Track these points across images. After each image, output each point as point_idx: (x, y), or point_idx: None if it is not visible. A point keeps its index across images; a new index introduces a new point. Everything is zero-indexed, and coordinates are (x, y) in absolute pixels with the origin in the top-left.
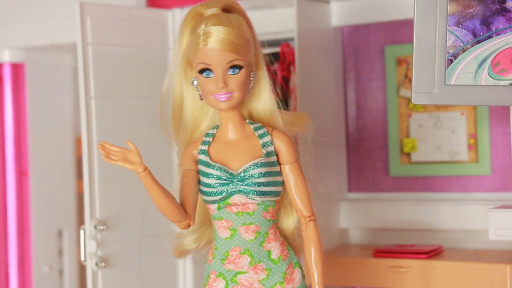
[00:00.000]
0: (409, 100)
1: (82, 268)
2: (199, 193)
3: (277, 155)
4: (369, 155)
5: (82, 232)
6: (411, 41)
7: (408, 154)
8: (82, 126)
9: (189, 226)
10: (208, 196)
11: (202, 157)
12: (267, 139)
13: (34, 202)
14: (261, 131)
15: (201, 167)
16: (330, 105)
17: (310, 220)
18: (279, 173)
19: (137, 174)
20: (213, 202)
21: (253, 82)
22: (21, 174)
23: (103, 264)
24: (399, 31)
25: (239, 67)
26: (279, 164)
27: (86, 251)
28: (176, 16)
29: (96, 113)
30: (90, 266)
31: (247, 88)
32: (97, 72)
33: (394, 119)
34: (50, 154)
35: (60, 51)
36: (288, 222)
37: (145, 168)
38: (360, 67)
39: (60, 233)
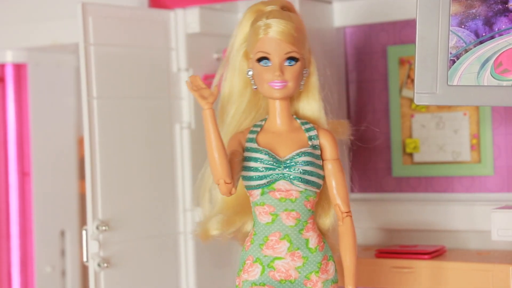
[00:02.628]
0: (411, 100)
1: (84, 269)
2: (243, 180)
3: (321, 151)
4: (371, 155)
5: (84, 232)
6: (414, 42)
7: (411, 155)
8: (85, 127)
9: (230, 192)
10: (253, 180)
11: (250, 144)
12: (313, 133)
13: (36, 202)
14: (307, 126)
15: (248, 153)
16: (332, 105)
17: (347, 216)
18: (322, 168)
19: (202, 110)
20: (257, 187)
21: (305, 78)
22: (24, 174)
23: (105, 264)
24: (402, 31)
25: (295, 59)
26: (322, 159)
27: (88, 251)
28: (178, 17)
29: (98, 113)
30: (92, 267)
31: (299, 82)
32: (99, 73)
33: (396, 120)
34: (53, 155)
35: (62, 52)
36: (325, 221)
37: (211, 107)
38: (363, 67)
39: (62, 234)
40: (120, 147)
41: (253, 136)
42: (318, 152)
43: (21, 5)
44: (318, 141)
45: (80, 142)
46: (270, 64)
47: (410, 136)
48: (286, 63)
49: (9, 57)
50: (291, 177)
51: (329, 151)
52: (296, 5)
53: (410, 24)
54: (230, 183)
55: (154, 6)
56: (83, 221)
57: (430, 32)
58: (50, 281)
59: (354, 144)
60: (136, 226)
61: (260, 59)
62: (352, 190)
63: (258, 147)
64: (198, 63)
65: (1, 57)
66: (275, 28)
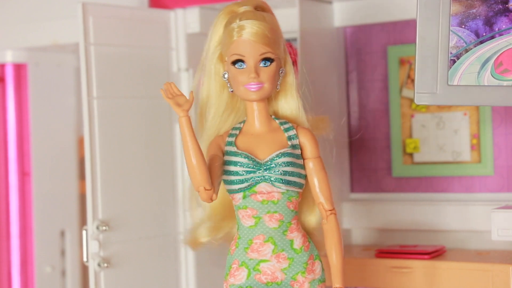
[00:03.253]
0: (411, 100)
1: (84, 269)
2: (225, 184)
3: (301, 150)
4: (371, 155)
5: (84, 232)
6: (414, 42)
7: (411, 155)
8: (85, 127)
9: (211, 198)
10: (234, 184)
11: (229, 148)
12: (292, 132)
13: (36, 202)
14: (286, 126)
15: (228, 157)
16: (332, 105)
17: (331, 214)
18: (303, 167)
19: (178, 117)
20: (239, 190)
21: (281, 78)
22: (24, 174)
23: (105, 264)
24: (402, 31)
25: (271, 60)
26: (303, 159)
27: (89, 251)
28: (178, 17)
29: (98, 113)
30: (92, 267)
31: (276, 83)
32: (99, 73)
33: (396, 120)
34: (53, 155)
35: (62, 52)
36: (311, 219)
37: (187, 115)
38: (363, 67)
39: (62, 234)
40: (120, 147)
41: (232, 139)
42: (298, 151)
43: (21, 5)
44: (297, 140)
45: (80, 142)
46: (245, 66)
47: (410, 136)
48: (261, 64)
49: (9, 57)
50: (271, 179)
51: (309, 149)
52: (296, 5)
53: (410, 24)
54: (210, 189)
55: (154, 6)
56: (83, 221)
57: (430, 32)
58: (50, 281)
59: (353, 144)
60: (136, 226)
61: (234, 62)
62: (352, 190)
63: (237, 151)
64: (198, 63)
65: (1, 57)
66: (249, 30)
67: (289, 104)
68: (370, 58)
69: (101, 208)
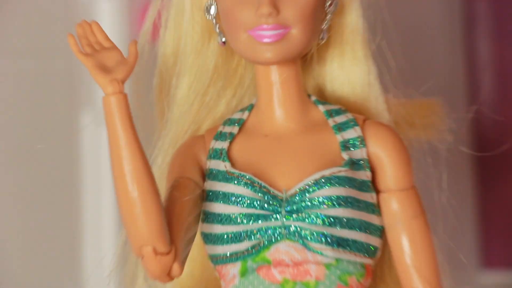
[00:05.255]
0: None
1: None
2: (204, 242)
3: (372, 171)
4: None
5: None
6: None
7: None
8: None
9: (170, 273)
10: (222, 243)
11: (217, 164)
12: (353, 133)
13: None
14: (340, 118)
15: (212, 184)
16: (439, 83)
17: None
18: (375, 209)
19: (104, 96)
20: (233, 258)
21: (330, 18)
22: None
23: None
24: None
25: None
26: (376, 190)
27: None
28: None
29: None
30: None
31: (317, 27)
32: None
33: None
34: None
35: None
36: None
37: (121, 90)
38: (501, 13)
39: None
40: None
41: (223, 145)
42: (364, 174)
43: None
44: (364, 150)
45: None
46: None
47: None
48: None
49: None
50: (303, 233)
51: (392, 171)
52: None
53: None
54: (168, 252)
55: None
56: None
57: None
58: None
59: (483, 162)
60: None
61: None
62: (483, 264)
63: (232, 170)
64: None
65: None
66: None
67: (350, 72)
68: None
69: None
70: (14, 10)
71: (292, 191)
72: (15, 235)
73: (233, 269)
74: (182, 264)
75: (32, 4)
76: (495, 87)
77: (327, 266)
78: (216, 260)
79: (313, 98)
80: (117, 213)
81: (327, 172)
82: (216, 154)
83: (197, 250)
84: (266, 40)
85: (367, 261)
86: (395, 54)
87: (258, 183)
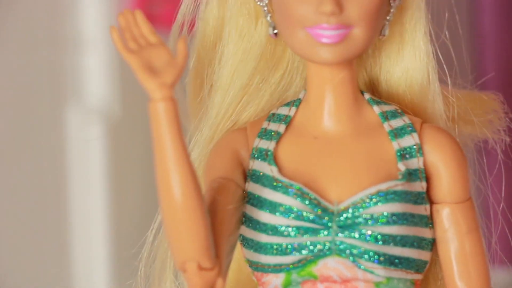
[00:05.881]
0: None
1: None
2: (243, 247)
3: (427, 180)
4: None
5: None
6: None
7: None
8: None
9: (214, 284)
10: (267, 254)
11: (261, 166)
12: (410, 140)
13: None
14: (397, 122)
15: (257, 188)
16: (453, 71)
17: None
18: (428, 222)
19: (150, 100)
20: (277, 269)
21: (393, 13)
22: None
23: None
24: None
25: None
26: (430, 202)
27: None
28: None
29: None
30: None
31: (380, 24)
32: None
33: None
34: None
35: None
36: None
37: (170, 96)
38: None
39: None
40: None
41: (268, 145)
42: (420, 186)
43: None
44: (420, 159)
45: None
46: None
47: None
48: None
49: None
50: (354, 251)
51: (448, 182)
52: None
53: None
54: (212, 268)
55: None
56: None
57: None
58: None
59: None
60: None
61: None
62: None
63: (280, 178)
64: None
65: None
66: None
67: (407, 68)
68: None
69: None
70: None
71: (344, 205)
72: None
73: (276, 280)
74: (225, 278)
75: None
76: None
77: (377, 284)
78: (257, 267)
79: (367, 96)
80: (106, 212)
81: (383, 187)
82: (261, 155)
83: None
84: (325, 40)
85: (417, 276)
86: (456, 48)
87: (309, 194)
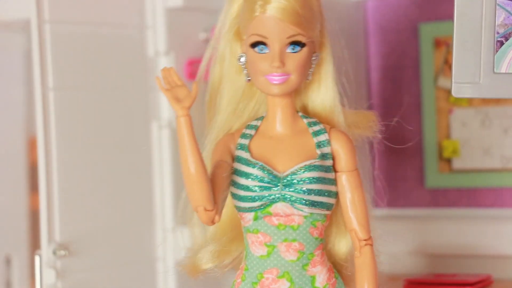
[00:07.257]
0: (449, 92)
1: None
2: (232, 198)
3: (333, 159)
4: (399, 161)
5: (37, 259)
6: (452, 18)
7: (449, 160)
8: (38, 125)
9: (213, 221)
10: (244, 201)
11: (241, 153)
12: (323, 137)
13: None
14: (316, 128)
15: (238, 165)
16: (349, 98)
17: (366, 244)
18: (334, 182)
19: (176, 116)
20: (250, 210)
21: (314, 66)
22: None
23: None
24: (438, 5)
25: (301, 45)
26: (335, 171)
27: (43, 283)
28: None
29: (55, 108)
30: None
31: (307, 72)
32: (56, 57)
33: (430, 117)
34: None
35: (8, 30)
36: (340, 245)
37: (188, 113)
38: (388, 51)
39: (7, 260)
40: (83, 151)
41: (245, 142)
42: (329, 162)
43: None
44: (329, 148)
45: (31, 144)
46: (267, 51)
47: (448, 137)
48: (289, 50)
49: None
50: (292, 198)
51: (344, 160)
52: None
53: None
54: (212, 210)
55: None
56: (35, 245)
57: (472, 6)
58: None
59: (379, 146)
60: (103, 250)
61: (254, 44)
62: (376, 205)
63: (251, 159)
64: (181, 45)
65: None
66: (275, 4)
67: (322, 98)
68: (397, 38)
69: (58, 228)
70: None
71: (287, 173)
72: None
73: (249, 215)
74: (220, 214)
75: None
76: (382, 101)
77: (305, 217)
78: (239, 209)
79: (300, 113)
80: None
81: (308, 162)
82: (241, 147)
83: (229, 201)
84: (275, 82)
85: (328, 212)
86: (347, 86)
87: (266, 167)
